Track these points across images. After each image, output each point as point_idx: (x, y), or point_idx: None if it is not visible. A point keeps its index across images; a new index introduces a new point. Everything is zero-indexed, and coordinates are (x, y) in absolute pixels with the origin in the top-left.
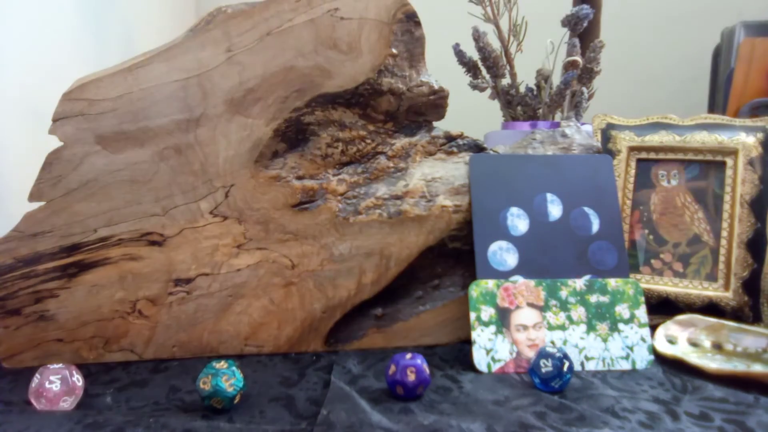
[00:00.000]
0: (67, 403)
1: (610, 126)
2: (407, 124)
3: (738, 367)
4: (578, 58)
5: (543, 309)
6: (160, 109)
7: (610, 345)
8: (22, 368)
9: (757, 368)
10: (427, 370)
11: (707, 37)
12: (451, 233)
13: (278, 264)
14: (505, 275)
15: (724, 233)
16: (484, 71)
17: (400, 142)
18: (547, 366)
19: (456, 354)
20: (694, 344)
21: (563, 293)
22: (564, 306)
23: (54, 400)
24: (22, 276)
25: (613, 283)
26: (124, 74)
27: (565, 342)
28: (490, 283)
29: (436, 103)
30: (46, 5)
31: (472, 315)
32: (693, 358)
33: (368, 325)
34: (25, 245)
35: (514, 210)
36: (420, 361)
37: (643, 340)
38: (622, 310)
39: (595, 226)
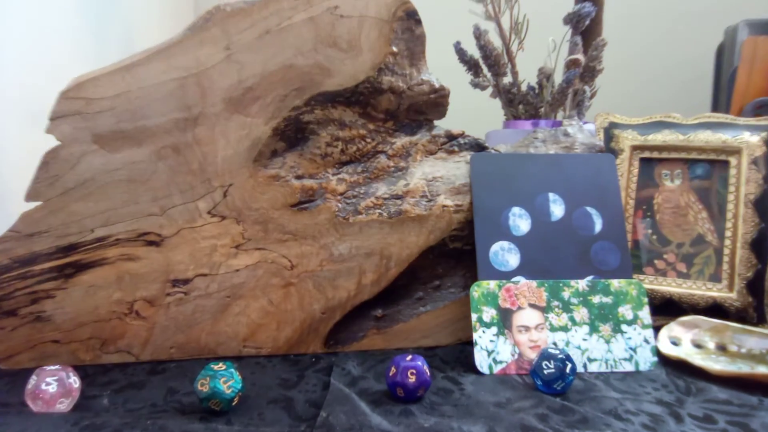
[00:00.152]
0: (63, 405)
1: (613, 125)
2: (408, 122)
3: (742, 368)
4: (580, 57)
5: (545, 310)
6: (158, 108)
7: (613, 346)
8: (19, 370)
9: (762, 370)
10: (428, 372)
11: (710, 35)
12: (452, 233)
13: (277, 264)
14: (507, 276)
15: (728, 233)
16: (485, 69)
17: (401, 141)
18: (549, 368)
19: (457, 355)
20: (697, 345)
21: (566, 294)
22: (566, 307)
23: (50, 402)
24: (19, 276)
25: (616, 283)
26: (122, 73)
27: (567, 343)
28: (491, 284)
29: (436, 102)
30: (46, 5)
31: (474, 316)
32: (697, 359)
33: (368, 326)
34: (22, 245)
35: (516, 210)
36: (420, 362)
37: (646, 341)
38: (625, 311)
39: (598, 226)
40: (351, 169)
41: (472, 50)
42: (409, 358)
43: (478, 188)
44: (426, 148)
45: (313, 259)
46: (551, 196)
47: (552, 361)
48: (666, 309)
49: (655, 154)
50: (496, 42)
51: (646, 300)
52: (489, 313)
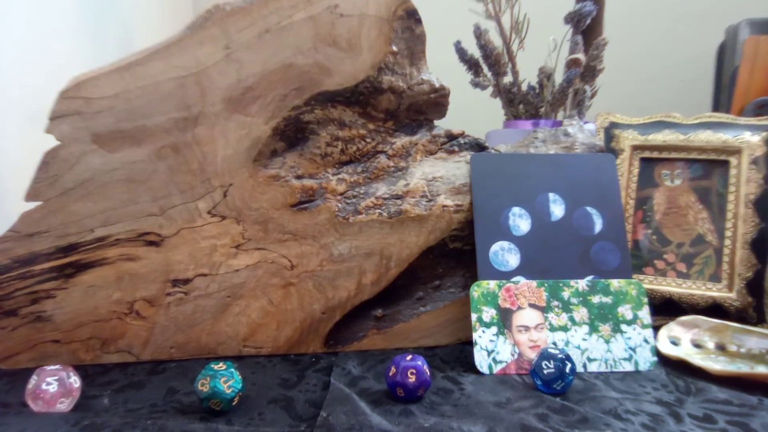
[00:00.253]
0: (64, 405)
1: (613, 125)
2: (408, 122)
3: (742, 368)
4: (581, 56)
5: (545, 310)
6: (158, 108)
7: (613, 346)
8: (19, 370)
9: (761, 369)
10: (428, 372)
11: (711, 34)
12: (452, 233)
13: (277, 264)
14: (507, 276)
15: (728, 233)
16: (485, 69)
17: (401, 140)
18: (549, 367)
19: (457, 355)
20: (697, 345)
21: (565, 294)
22: (566, 307)
23: (51, 402)
24: (19, 276)
25: (615, 283)
26: (121, 72)
27: (567, 343)
28: (491, 284)
29: (437, 102)
30: (46, 5)
31: (474, 316)
32: (696, 359)
33: (368, 326)
34: (22, 245)
35: (516, 210)
36: (420, 362)
37: (646, 341)
38: (625, 311)
39: (598, 226)
40: (351, 169)
41: (473, 49)
42: (409, 357)
43: (478, 188)
44: (426, 148)
45: (313, 259)
46: (551, 196)
47: (552, 361)
48: (666, 309)
49: (656, 154)
50: (497, 41)
51: (645, 300)
52: (489, 313)
